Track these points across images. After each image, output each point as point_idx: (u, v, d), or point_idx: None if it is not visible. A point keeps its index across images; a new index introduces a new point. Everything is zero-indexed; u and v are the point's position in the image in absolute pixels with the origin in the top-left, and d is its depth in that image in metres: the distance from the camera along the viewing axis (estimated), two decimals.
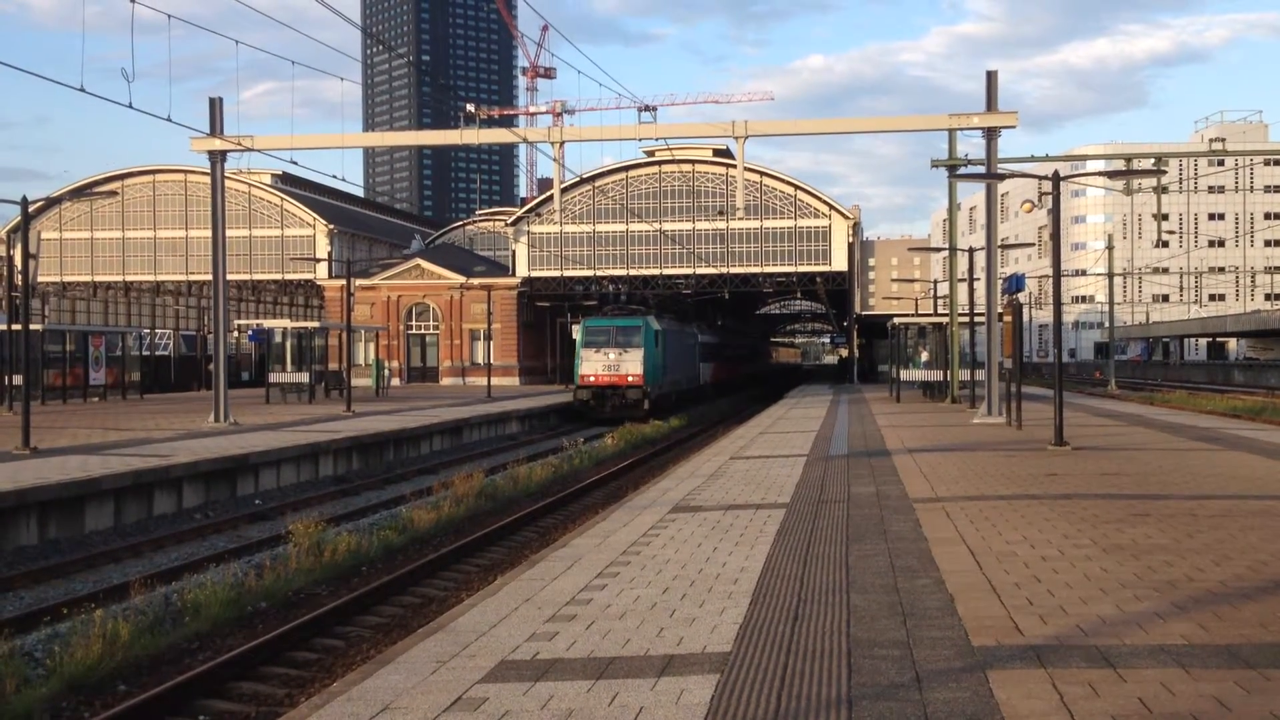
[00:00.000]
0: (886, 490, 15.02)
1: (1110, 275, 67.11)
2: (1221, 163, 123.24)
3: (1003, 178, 25.47)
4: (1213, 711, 5.70)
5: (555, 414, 43.56)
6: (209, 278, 34.28)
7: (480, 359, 64.70)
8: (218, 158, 31.44)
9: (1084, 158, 51.55)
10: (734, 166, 53.17)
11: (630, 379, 43.34)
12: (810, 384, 72.79)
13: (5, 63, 19.39)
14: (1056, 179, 20.55)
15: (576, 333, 47.25)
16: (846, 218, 71.85)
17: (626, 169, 72.87)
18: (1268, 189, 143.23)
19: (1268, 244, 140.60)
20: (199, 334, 76.95)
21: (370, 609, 13.00)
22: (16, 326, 30.92)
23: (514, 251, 73.25)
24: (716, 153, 70.76)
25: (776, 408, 40.66)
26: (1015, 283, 29.31)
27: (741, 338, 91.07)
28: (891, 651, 6.93)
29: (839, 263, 70.84)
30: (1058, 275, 21.13)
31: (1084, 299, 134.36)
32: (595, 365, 43.60)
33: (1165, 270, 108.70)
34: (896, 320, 45.21)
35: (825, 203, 71.57)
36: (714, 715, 5.91)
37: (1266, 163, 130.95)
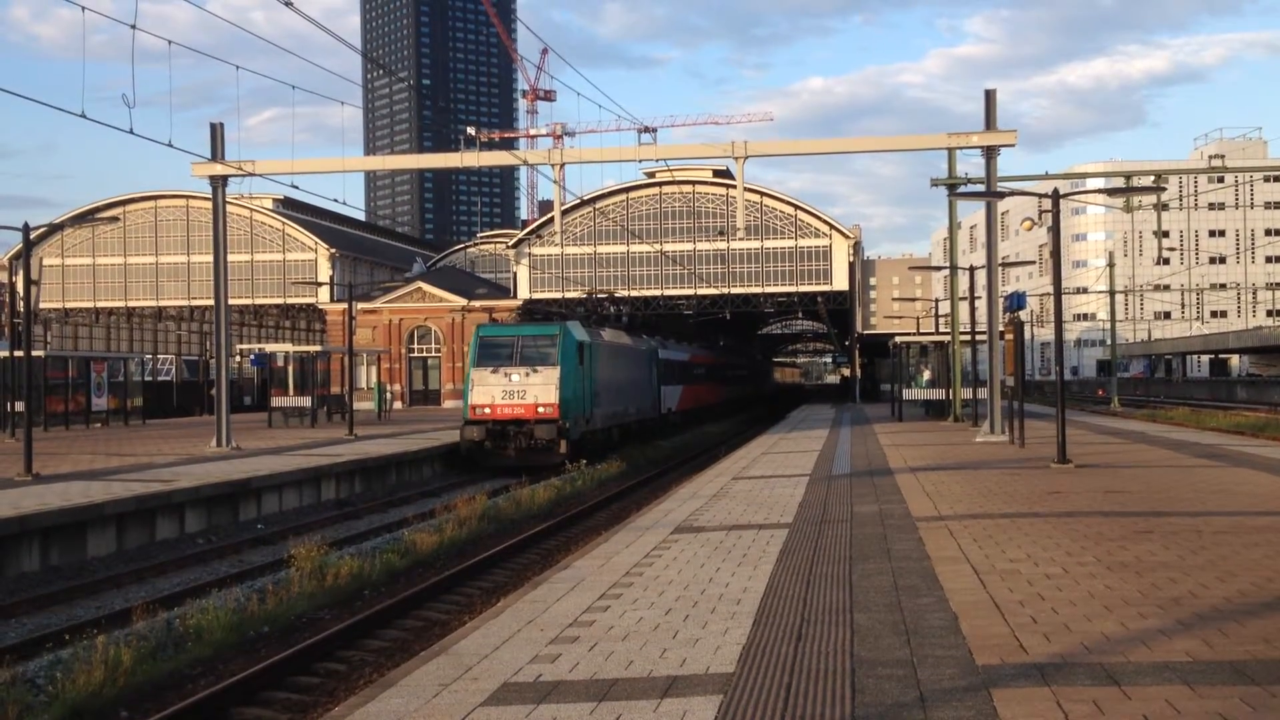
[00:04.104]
0: (890, 509, 14.99)
1: (1111, 293, 67.18)
2: (1221, 179, 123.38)
3: (1002, 196, 25.53)
4: None
5: None
6: (211, 303, 34.35)
7: None
8: (219, 183, 31.52)
9: (1084, 175, 51.71)
10: (734, 187, 53.31)
11: (540, 409, 31.01)
12: (812, 404, 72.72)
13: (8, 90, 19.49)
14: (1056, 196, 20.58)
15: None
16: (847, 237, 71.97)
17: (627, 190, 73.07)
18: (1268, 205, 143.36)
19: (1269, 260, 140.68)
20: (201, 359, 77.01)
21: (373, 633, 12.96)
22: (19, 353, 30.95)
23: (515, 273, 73.39)
24: (717, 174, 70.98)
25: (779, 427, 40.61)
26: (1016, 301, 29.30)
27: (736, 356, 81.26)
28: (895, 671, 6.91)
29: (840, 282, 70.92)
30: (1059, 293, 21.14)
31: (1086, 317, 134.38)
32: (491, 391, 31.34)
33: (1166, 287, 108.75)
34: (898, 339, 45.20)
35: (826, 222, 71.72)
36: None
37: (1266, 179, 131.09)
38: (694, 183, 71.83)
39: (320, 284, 64.64)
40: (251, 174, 31.31)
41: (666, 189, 71.92)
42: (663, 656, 7.55)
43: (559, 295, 69.83)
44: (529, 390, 31.27)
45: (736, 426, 56.60)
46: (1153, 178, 34.07)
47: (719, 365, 66.66)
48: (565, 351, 31.94)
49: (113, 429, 41.40)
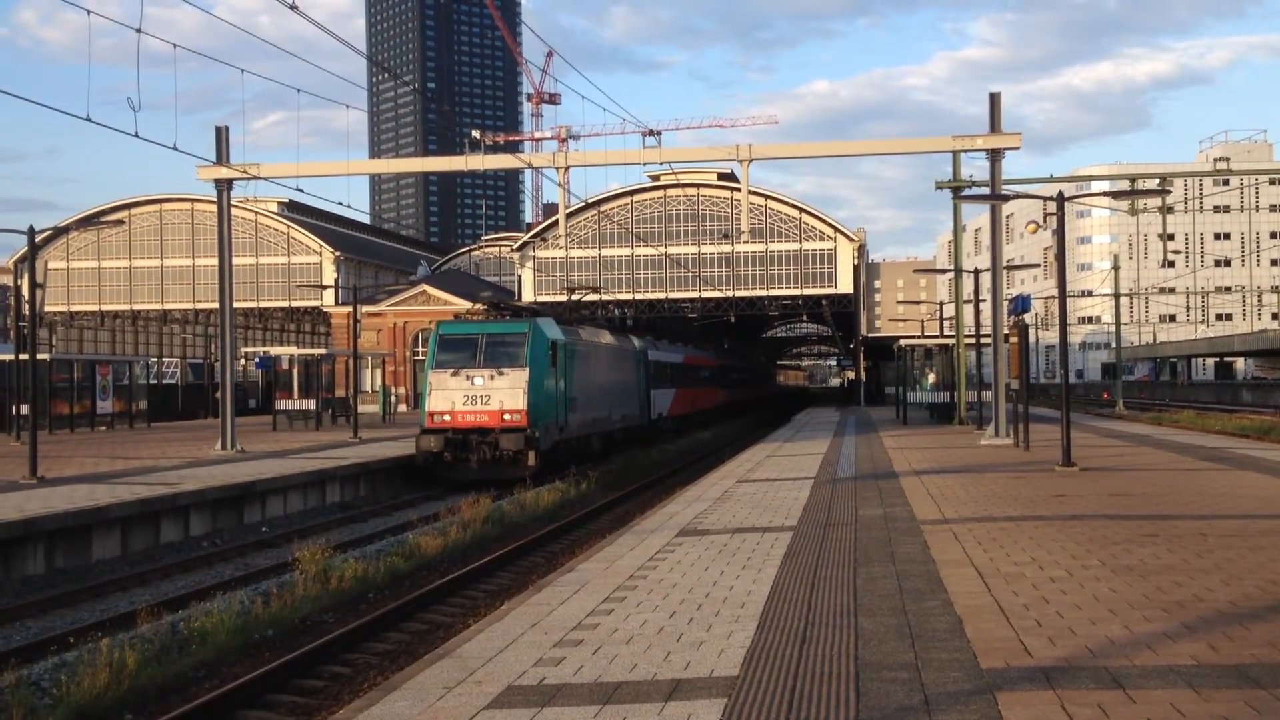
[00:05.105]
0: (894, 512, 14.98)
1: (1116, 296, 67.09)
2: (1226, 182, 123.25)
3: (1007, 199, 25.52)
4: None
5: None
6: (216, 306, 34.38)
7: None
8: (224, 186, 31.57)
9: (1089, 178, 51.69)
10: (739, 190, 53.28)
11: (506, 417, 27.80)
12: (817, 407, 72.67)
13: (14, 93, 19.55)
14: (1061, 199, 20.57)
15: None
16: (852, 240, 71.99)
17: (631, 193, 73.15)
18: (1273, 208, 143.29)
19: (1274, 263, 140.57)
20: (206, 362, 77.15)
21: (377, 636, 12.96)
22: (24, 356, 31.00)
23: (520, 277, 73.45)
24: (721, 176, 71.02)
25: (783, 430, 40.60)
26: (1021, 304, 29.33)
27: (736, 358, 77.14)
28: (900, 674, 6.90)
29: (845, 285, 70.94)
30: (1063, 296, 21.12)
31: (1090, 320, 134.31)
32: (451, 396, 28.04)
33: (1172, 290, 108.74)
34: (903, 342, 45.19)
35: (830, 225, 71.74)
36: None
37: (1271, 182, 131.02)
38: (698, 186, 71.87)
39: (325, 287, 64.72)
40: (256, 177, 31.36)
41: (671, 192, 71.96)
42: (667, 660, 7.55)
43: (564, 298, 69.90)
44: (494, 395, 28.03)
45: (735, 432, 53.11)
46: (1158, 180, 34.04)
47: (717, 367, 63.34)
48: (535, 351, 28.70)
49: (118, 432, 41.45)
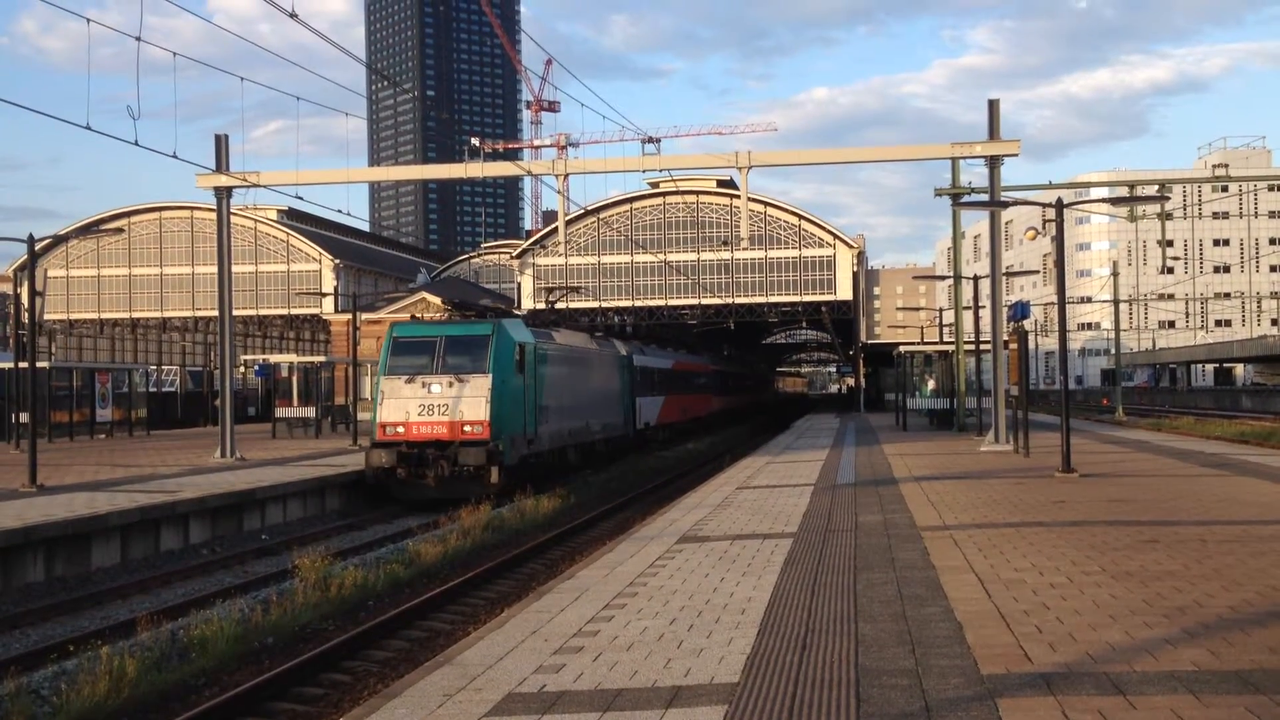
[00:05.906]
0: (894, 519, 14.98)
1: (1116, 302, 67.05)
2: (1225, 188, 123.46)
3: (1005, 205, 25.54)
4: None
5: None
6: (215, 313, 34.42)
7: None
8: (223, 194, 31.59)
9: (1088, 185, 51.76)
10: (738, 197, 53.31)
11: (466, 429, 25.10)
12: (817, 413, 72.59)
13: (15, 102, 19.59)
14: (1060, 206, 20.59)
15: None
16: (851, 247, 72.05)
17: (630, 201, 73.23)
18: (1272, 214, 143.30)
19: (1273, 269, 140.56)
20: (205, 370, 77.12)
21: (377, 643, 12.95)
22: (24, 364, 31.00)
23: (519, 284, 73.47)
24: (721, 184, 71.14)
25: (783, 437, 40.58)
26: (1020, 310, 29.35)
27: (732, 364, 73.59)
28: (900, 681, 6.90)
29: (844, 292, 71.00)
30: (1063, 302, 21.13)
31: (1090, 326, 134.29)
32: (405, 406, 25.34)
33: (1171, 296, 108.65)
34: (902, 349, 45.20)
35: (830, 233, 71.81)
36: None
37: (1270, 188, 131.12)
38: (698, 193, 71.93)
39: (324, 294, 64.76)
40: (256, 185, 31.40)
41: (670, 199, 72.04)
42: (667, 667, 7.55)
43: (563, 306, 69.92)
44: (452, 404, 25.23)
45: (733, 440, 50.23)
46: (1157, 187, 34.07)
47: (712, 374, 59.93)
48: (500, 356, 25.84)
49: (117, 440, 41.42)
